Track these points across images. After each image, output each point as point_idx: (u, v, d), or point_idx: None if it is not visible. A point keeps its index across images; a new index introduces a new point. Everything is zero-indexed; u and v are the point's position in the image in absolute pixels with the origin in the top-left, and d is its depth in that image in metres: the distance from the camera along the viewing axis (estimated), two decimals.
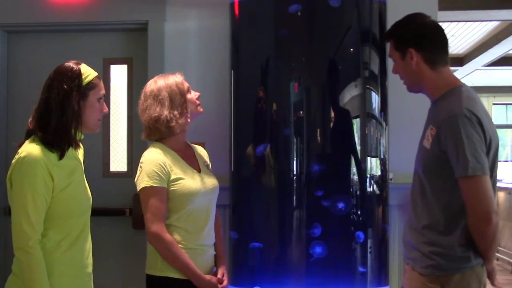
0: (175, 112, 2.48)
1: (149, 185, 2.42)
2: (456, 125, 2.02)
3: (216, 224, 2.63)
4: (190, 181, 2.49)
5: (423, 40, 2.21)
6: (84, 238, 2.16)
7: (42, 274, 1.98)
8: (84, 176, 2.22)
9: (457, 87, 2.18)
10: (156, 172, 2.43)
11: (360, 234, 2.79)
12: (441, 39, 2.24)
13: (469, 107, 2.07)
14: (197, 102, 2.58)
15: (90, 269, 2.19)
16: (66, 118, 2.06)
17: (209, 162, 2.69)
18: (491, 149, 2.09)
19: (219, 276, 2.54)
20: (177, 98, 2.49)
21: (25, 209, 1.98)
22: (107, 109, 2.23)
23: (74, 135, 2.10)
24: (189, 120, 2.52)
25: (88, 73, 2.13)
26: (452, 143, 2.03)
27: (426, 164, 2.15)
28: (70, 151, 2.12)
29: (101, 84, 2.19)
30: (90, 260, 2.20)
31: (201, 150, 2.71)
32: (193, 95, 2.57)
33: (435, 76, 2.19)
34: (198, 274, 2.45)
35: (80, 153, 2.25)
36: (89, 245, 2.20)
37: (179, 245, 2.44)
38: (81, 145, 2.25)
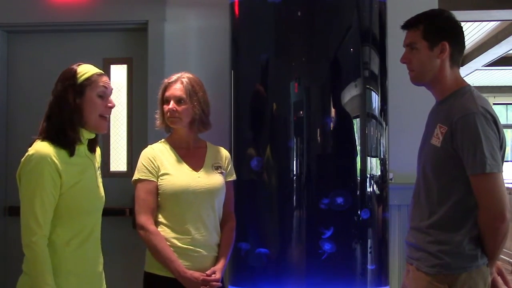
0: (158, 111, 2.63)
1: (137, 178, 2.52)
2: (474, 123, 2.03)
3: (227, 226, 2.60)
4: (177, 178, 2.49)
5: (457, 36, 2.20)
6: (95, 237, 2.18)
7: (46, 270, 1.99)
8: (98, 175, 2.23)
9: (465, 86, 2.18)
10: (144, 166, 2.51)
11: (366, 211, 2.80)
12: (464, 41, 2.24)
13: (483, 105, 2.08)
14: (168, 114, 2.52)
15: (101, 268, 2.21)
16: (64, 116, 2.10)
17: (222, 164, 2.63)
18: (502, 148, 2.10)
19: (207, 272, 2.43)
20: (158, 101, 2.62)
21: (31, 206, 2.01)
22: (113, 103, 2.24)
23: (78, 133, 2.12)
24: (158, 124, 2.61)
25: (85, 71, 2.16)
26: (469, 141, 2.03)
27: (436, 162, 2.14)
28: (82, 149, 2.16)
29: (102, 79, 2.19)
30: (101, 259, 2.22)
31: (218, 152, 2.66)
32: (169, 106, 2.53)
33: (450, 75, 2.19)
34: (180, 269, 2.41)
35: (97, 153, 2.28)
36: (100, 244, 2.22)
37: (168, 243, 2.44)
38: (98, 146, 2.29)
